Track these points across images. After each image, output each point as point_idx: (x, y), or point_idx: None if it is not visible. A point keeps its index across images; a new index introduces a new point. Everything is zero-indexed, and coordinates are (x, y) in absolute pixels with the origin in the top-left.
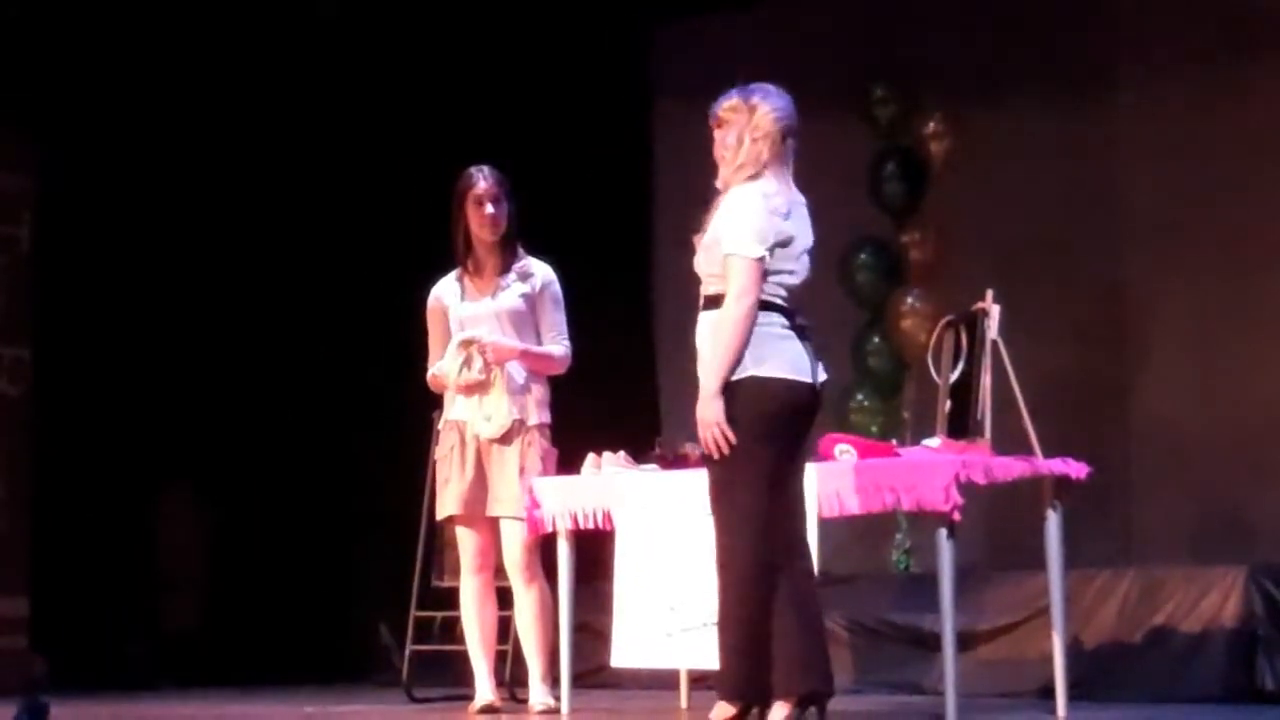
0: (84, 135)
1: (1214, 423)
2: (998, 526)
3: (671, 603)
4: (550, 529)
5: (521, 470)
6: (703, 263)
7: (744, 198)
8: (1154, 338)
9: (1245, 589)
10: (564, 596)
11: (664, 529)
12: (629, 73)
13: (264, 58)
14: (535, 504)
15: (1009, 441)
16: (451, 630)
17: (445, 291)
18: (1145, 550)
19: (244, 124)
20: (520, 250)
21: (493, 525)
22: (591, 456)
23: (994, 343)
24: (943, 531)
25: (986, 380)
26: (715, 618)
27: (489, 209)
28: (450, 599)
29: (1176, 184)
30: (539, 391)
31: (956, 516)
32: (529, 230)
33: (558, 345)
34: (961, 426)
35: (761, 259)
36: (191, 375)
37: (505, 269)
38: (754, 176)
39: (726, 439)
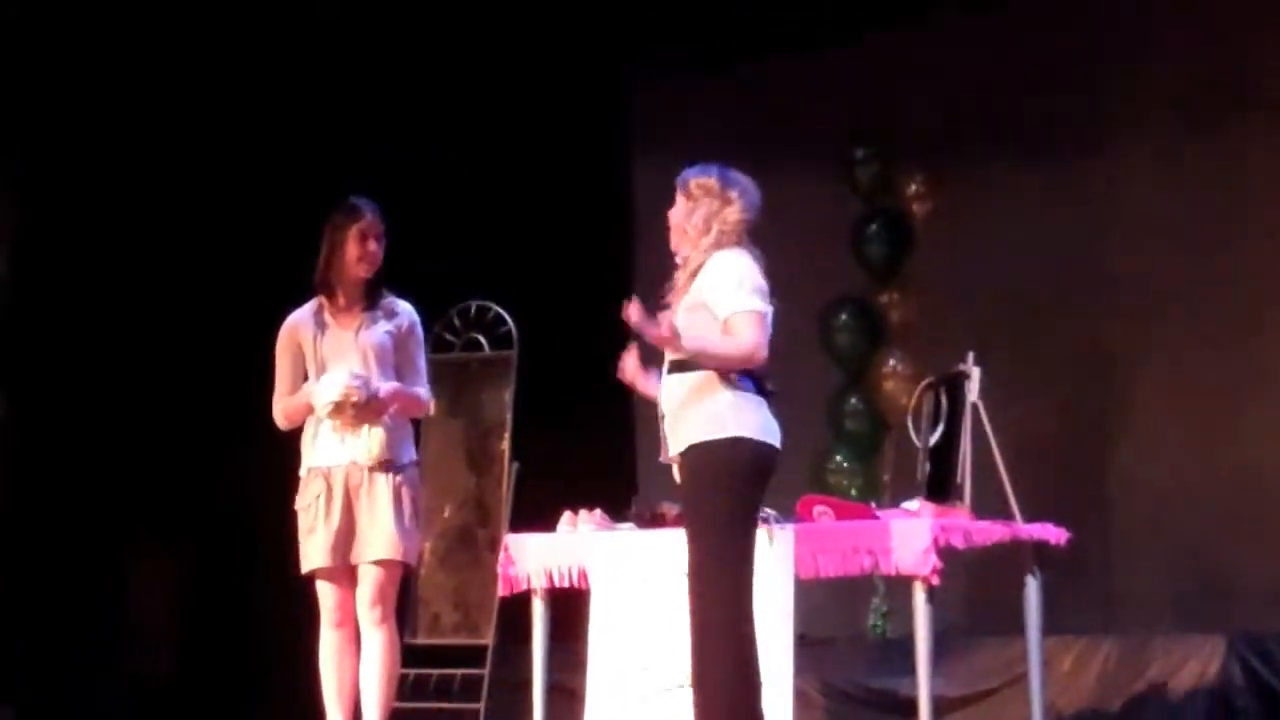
0: (60, 171)
1: (1196, 489)
2: (976, 591)
3: (646, 663)
4: (526, 586)
5: (394, 511)
6: (683, 325)
7: (736, 260)
8: (1135, 402)
9: (1225, 658)
10: (538, 655)
11: (640, 589)
12: (609, 133)
13: (237, 81)
14: (510, 561)
15: (989, 505)
16: (425, 687)
17: (302, 324)
18: (1125, 617)
19: (225, 162)
20: (383, 289)
21: (355, 575)
22: (567, 514)
23: (974, 405)
24: (921, 595)
25: (967, 443)
26: (695, 683)
27: (372, 245)
28: (420, 656)
29: (1159, 247)
30: (406, 429)
31: (935, 580)
32: (510, 284)
33: (422, 388)
34: (941, 489)
35: (765, 314)
36: (164, 415)
37: (370, 305)
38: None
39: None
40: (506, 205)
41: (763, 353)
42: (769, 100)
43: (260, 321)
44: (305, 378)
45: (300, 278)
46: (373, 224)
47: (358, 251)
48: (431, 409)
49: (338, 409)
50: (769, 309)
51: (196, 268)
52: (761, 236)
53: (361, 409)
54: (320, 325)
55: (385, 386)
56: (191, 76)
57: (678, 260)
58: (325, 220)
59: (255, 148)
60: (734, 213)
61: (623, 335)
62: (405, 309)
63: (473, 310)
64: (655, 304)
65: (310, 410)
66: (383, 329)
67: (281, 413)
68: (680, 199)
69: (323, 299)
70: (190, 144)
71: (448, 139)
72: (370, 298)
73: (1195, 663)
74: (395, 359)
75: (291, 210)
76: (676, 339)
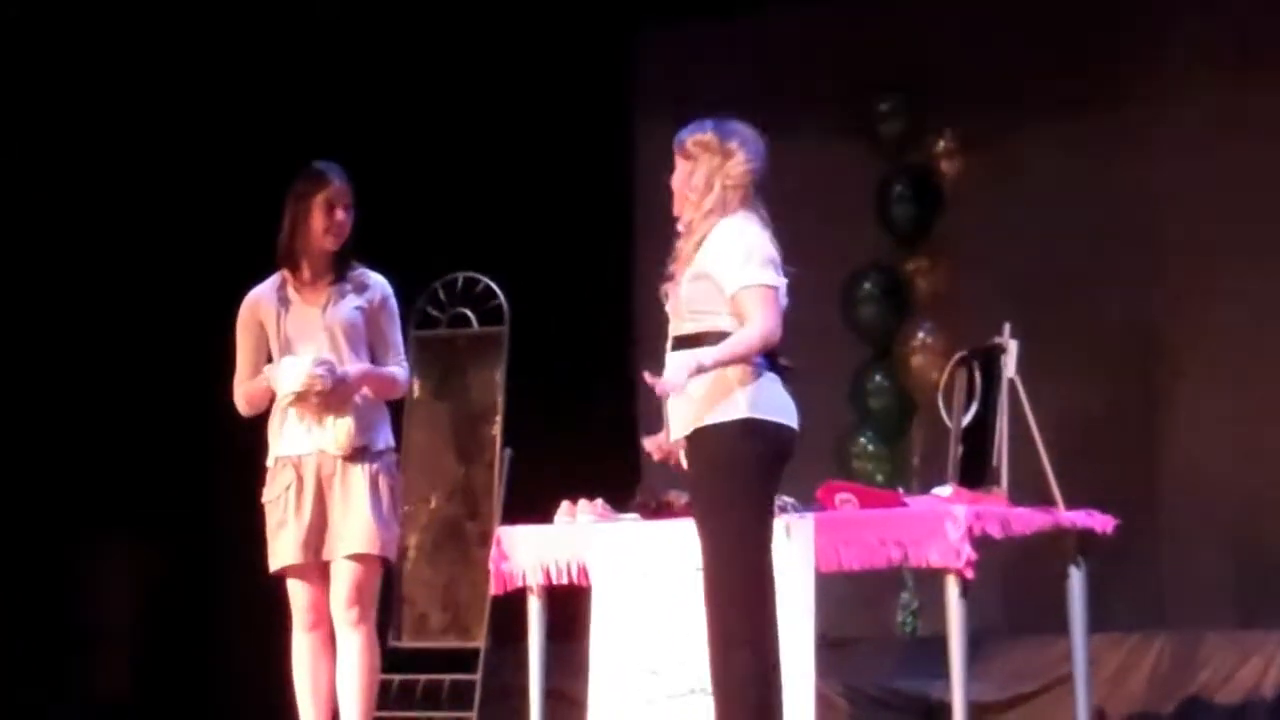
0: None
1: (1254, 470)
2: (1015, 585)
3: (654, 666)
4: (520, 584)
5: (371, 501)
6: (686, 298)
7: (743, 228)
8: (1187, 377)
9: None
10: (534, 659)
11: (645, 585)
12: (608, 88)
13: (207, 36)
14: (503, 556)
15: (1028, 491)
16: (411, 695)
17: (264, 300)
18: (1178, 612)
19: (189, 130)
20: (353, 261)
21: (329, 572)
22: (565, 504)
23: (1011, 382)
24: (954, 590)
25: (1003, 423)
26: (713, 688)
27: (340, 215)
28: (406, 660)
29: (1212, 209)
30: (381, 412)
31: (969, 574)
32: (501, 254)
33: (399, 367)
34: (975, 474)
35: (777, 289)
36: (116, 404)
37: (339, 278)
38: (723, 217)
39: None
40: (496, 168)
41: (778, 332)
42: (782, 50)
43: (221, 300)
44: (269, 358)
45: (264, 251)
46: (340, 191)
47: (324, 222)
48: (416, 390)
49: (301, 398)
50: (781, 282)
51: (153, 243)
52: (776, 198)
53: (328, 395)
54: (284, 302)
55: (354, 369)
56: (155, 36)
57: (679, 227)
58: (288, 187)
59: (225, 110)
60: (737, 165)
61: (624, 311)
62: (377, 281)
63: (460, 282)
64: (659, 276)
65: (273, 394)
66: (352, 304)
67: (243, 398)
68: (679, 161)
69: (286, 273)
70: (151, 111)
71: (432, 97)
72: (338, 270)
73: (1257, 659)
74: (368, 336)
75: (259, 179)
76: (696, 371)
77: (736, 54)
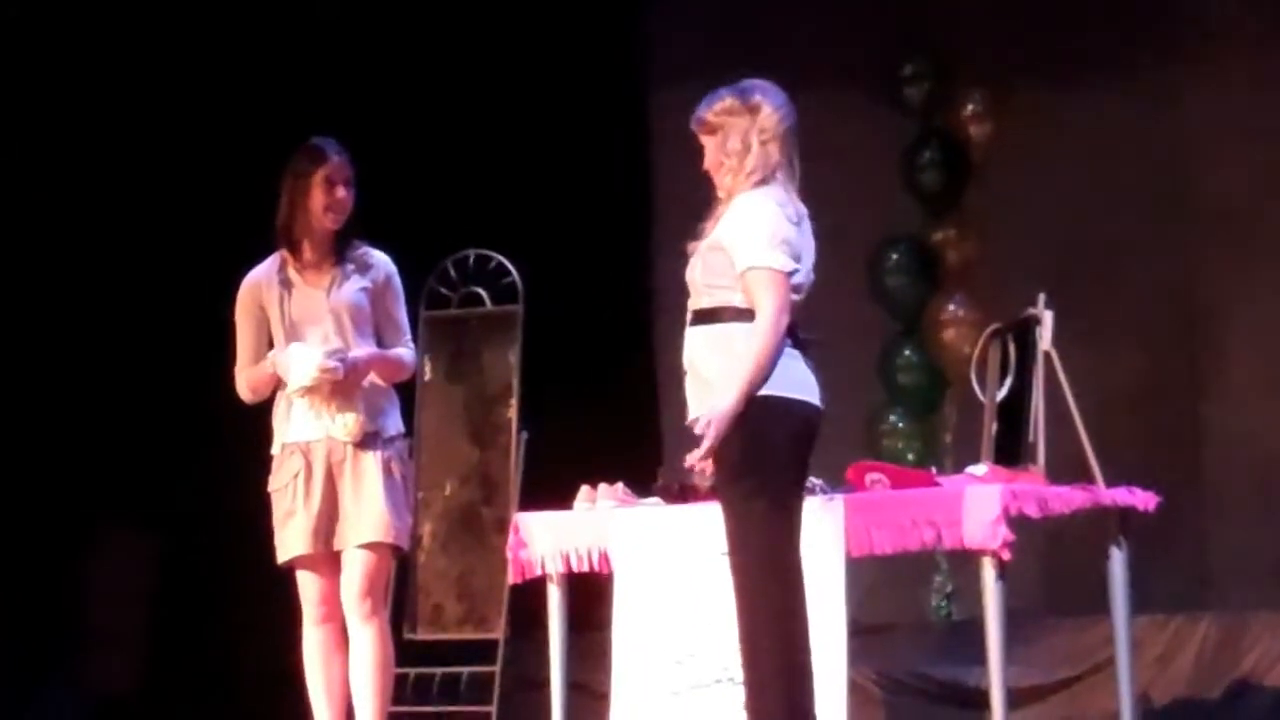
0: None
1: None
2: (1054, 566)
3: (679, 656)
4: (539, 572)
5: (384, 488)
6: (701, 271)
7: (760, 204)
8: (1230, 349)
9: None
10: (555, 650)
11: (669, 572)
12: (621, 51)
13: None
14: (521, 543)
15: (1065, 468)
16: (428, 688)
17: (266, 283)
18: (1224, 592)
19: (187, 112)
20: (354, 239)
21: (339, 562)
22: (585, 489)
23: (1047, 354)
24: (990, 572)
25: (1039, 398)
26: (745, 678)
27: (340, 192)
28: (422, 653)
29: (1255, 173)
30: (391, 396)
31: (1006, 555)
32: (514, 229)
33: (405, 348)
34: (1011, 451)
35: (791, 274)
36: (118, 394)
37: (341, 259)
38: (763, 181)
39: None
40: (507, 139)
41: (784, 317)
42: (802, 10)
43: (220, 284)
44: (271, 343)
45: (263, 232)
46: (340, 167)
47: (325, 200)
48: (428, 372)
49: (311, 389)
50: (792, 266)
51: (151, 227)
52: (801, 163)
53: (338, 383)
54: (285, 284)
55: (362, 353)
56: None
57: (722, 196)
58: (285, 165)
59: (226, 86)
60: (769, 116)
61: (643, 287)
62: (380, 259)
63: (471, 259)
64: (689, 236)
65: (278, 380)
66: (357, 285)
67: (246, 385)
68: (704, 140)
69: (285, 254)
70: (151, 89)
71: (439, 66)
72: (340, 250)
73: None
74: (373, 317)
75: (261, 157)
76: (732, 416)
77: (754, 15)
